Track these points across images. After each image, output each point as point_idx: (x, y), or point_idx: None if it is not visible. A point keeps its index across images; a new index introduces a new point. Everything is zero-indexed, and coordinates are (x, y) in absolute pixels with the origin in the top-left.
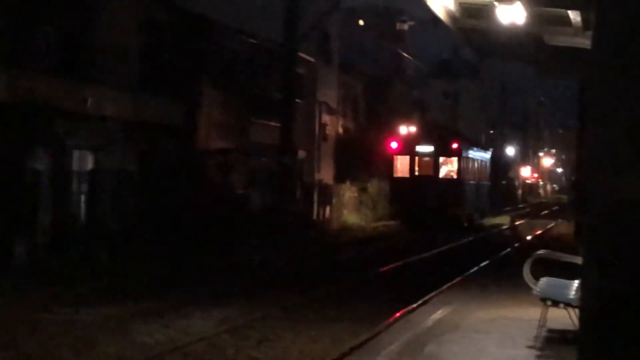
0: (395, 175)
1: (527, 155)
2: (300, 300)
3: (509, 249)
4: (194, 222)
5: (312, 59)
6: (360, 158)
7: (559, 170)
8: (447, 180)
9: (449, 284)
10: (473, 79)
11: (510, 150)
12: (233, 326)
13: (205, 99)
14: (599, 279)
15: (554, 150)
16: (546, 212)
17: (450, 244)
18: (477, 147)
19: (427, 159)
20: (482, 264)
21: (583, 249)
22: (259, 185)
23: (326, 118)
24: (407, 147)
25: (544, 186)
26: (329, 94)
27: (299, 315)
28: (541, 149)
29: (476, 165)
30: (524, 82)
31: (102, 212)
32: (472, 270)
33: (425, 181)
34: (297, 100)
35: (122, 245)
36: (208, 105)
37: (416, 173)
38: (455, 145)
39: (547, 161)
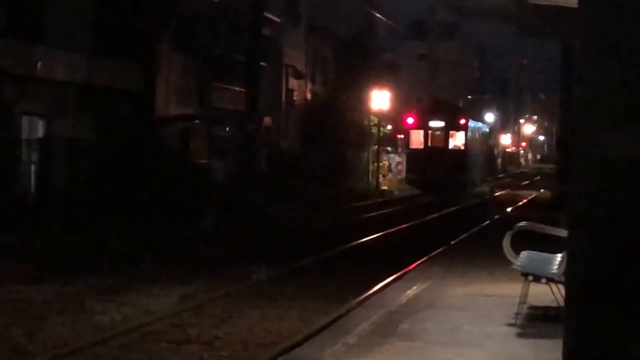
0: (410, 146)
1: (508, 122)
2: (267, 276)
3: (487, 222)
4: (153, 194)
5: (278, 20)
6: (330, 125)
7: (541, 138)
8: (456, 151)
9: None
10: (450, 40)
11: (490, 117)
12: (195, 304)
13: (164, 62)
14: (586, 247)
15: (535, 117)
16: (527, 182)
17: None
18: (479, 121)
19: (438, 132)
20: (459, 238)
21: (569, 214)
22: (222, 154)
23: (293, 82)
24: (421, 122)
25: (525, 155)
26: (296, 56)
27: (266, 292)
28: (522, 115)
29: (478, 137)
30: (504, 44)
31: (54, 182)
32: (438, 250)
33: (437, 152)
34: (262, 63)
35: (76, 218)
36: (167, 69)
37: (429, 145)
38: (462, 121)
39: (529, 128)
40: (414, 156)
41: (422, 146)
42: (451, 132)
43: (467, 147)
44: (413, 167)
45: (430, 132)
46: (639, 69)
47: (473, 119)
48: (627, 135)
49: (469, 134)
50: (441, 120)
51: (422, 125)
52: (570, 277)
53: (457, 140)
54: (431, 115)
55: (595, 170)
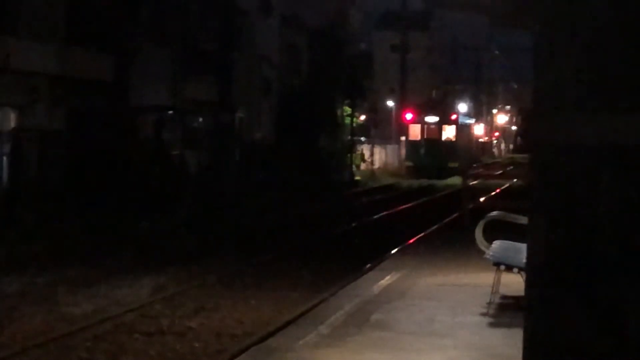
0: (409, 138)
1: (480, 112)
2: (239, 267)
3: (460, 212)
4: (126, 185)
5: (251, 10)
6: (304, 115)
7: (514, 127)
8: (448, 142)
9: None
10: (423, 31)
11: (462, 107)
12: (167, 295)
13: (137, 52)
14: (546, 232)
15: (508, 107)
16: (500, 172)
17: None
18: (467, 116)
19: (433, 126)
20: (433, 227)
21: (531, 200)
22: (195, 145)
23: (267, 73)
24: (419, 117)
25: (498, 145)
26: (269, 47)
27: (238, 283)
28: (495, 105)
29: (465, 130)
30: (477, 35)
31: (26, 174)
32: (413, 239)
33: (432, 143)
34: (235, 54)
35: (48, 210)
36: (140, 59)
37: (425, 136)
38: (454, 117)
39: (502, 118)
40: (412, 146)
41: (419, 138)
42: (444, 125)
43: (457, 138)
44: (411, 156)
45: (426, 125)
46: (599, 53)
47: (463, 115)
48: (586, 121)
49: (459, 127)
50: (436, 115)
51: (419, 120)
52: (530, 262)
53: (449, 132)
54: (427, 112)
55: (553, 156)
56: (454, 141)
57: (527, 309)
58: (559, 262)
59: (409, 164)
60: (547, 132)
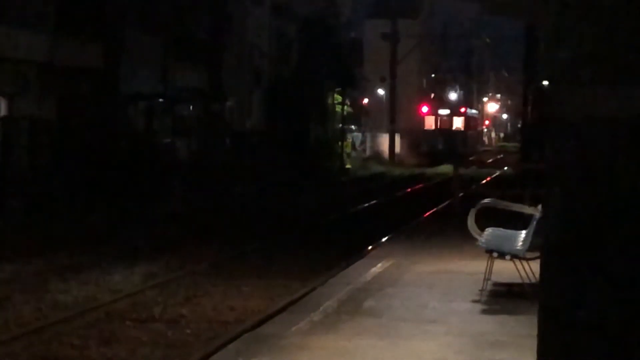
0: (425, 128)
1: (471, 100)
2: (231, 255)
3: (451, 199)
4: (116, 173)
5: None
6: (295, 104)
7: (505, 116)
8: (457, 131)
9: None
10: (413, 18)
11: (453, 95)
12: (159, 282)
13: (127, 40)
14: (562, 205)
15: (499, 96)
16: (491, 160)
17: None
18: (473, 109)
19: (445, 118)
20: (425, 215)
21: (546, 175)
22: (186, 134)
23: (257, 61)
24: (433, 110)
25: (489, 133)
26: (260, 35)
27: (230, 270)
28: (486, 93)
29: (472, 120)
30: (468, 22)
31: (16, 162)
32: (405, 227)
33: (444, 132)
34: (226, 42)
35: (38, 198)
36: (130, 47)
37: (438, 127)
38: (462, 110)
39: (492, 107)
40: (427, 135)
41: (433, 127)
42: (454, 117)
43: (465, 128)
44: (426, 143)
45: (439, 117)
46: (615, 27)
47: (470, 107)
48: (603, 94)
49: (466, 118)
50: (447, 109)
51: (433, 112)
52: (546, 237)
53: (458, 123)
54: (440, 105)
55: (569, 129)
56: (462, 130)
57: (542, 283)
58: (575, 236)
59: (425, 149)
60: (564, 106)
